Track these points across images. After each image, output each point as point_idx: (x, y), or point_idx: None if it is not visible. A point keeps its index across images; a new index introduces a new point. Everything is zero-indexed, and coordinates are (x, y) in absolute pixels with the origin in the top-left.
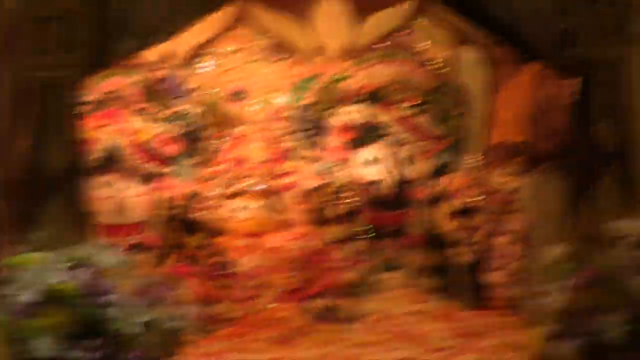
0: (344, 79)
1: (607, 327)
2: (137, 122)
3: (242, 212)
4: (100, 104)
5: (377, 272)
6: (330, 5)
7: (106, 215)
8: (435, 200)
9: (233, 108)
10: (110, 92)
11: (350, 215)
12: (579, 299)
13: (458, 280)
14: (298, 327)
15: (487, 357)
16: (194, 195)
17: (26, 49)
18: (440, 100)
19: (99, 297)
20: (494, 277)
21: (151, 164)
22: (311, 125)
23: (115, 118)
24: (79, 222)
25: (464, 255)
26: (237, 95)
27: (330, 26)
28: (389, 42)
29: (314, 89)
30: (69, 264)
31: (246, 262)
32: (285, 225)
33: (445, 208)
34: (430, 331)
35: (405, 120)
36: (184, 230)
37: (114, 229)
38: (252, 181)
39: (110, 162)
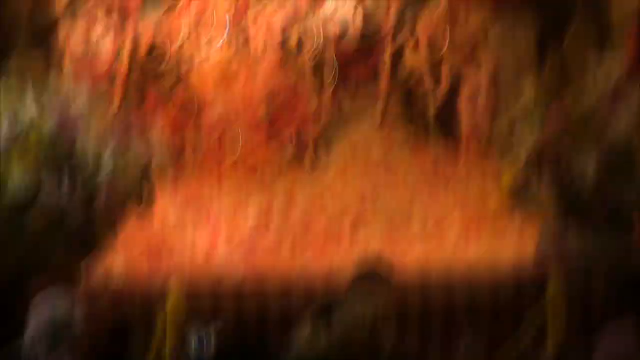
0: None
1: (579, 167)
2: None
3: (211, 56)
4: None
5: (347, 117)
6: None
7: (77, 59)
8: (405, 42)
9: None
10: None
11: (318, 63)
12: (552, 139)
13: (430, 115)
14: (268, 163)
15: (460, 197)
16: (163, 41)
17: None
18: None
19: (72, 137)
20: (465, 111)
21: (119, 11)
22: None
23: None
24: (51, 63)
25: (435, 92)
26: None
27: None
28: None
29: None
30: (40, 96)
31: (216, 106)
32: (253, 70)
33: (415, 48)
34: (403, 169)
35: None
36: (153, 75)
37: (84, 72)
38: (220, 27)
39: (78, 9)
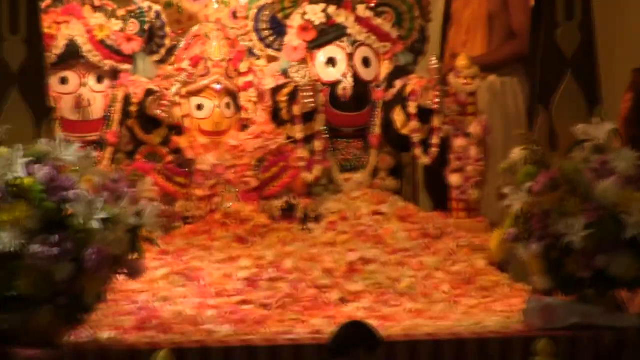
0: None
1: (567, 231)
2: (96, 19)
3: (202, 110)
4: (59, 0)
5: (336, 173)
6: None
7: (65, 111)
8: (394, 101)
9: (191, 6)
10: None
11: (309, 115)
12: (539, 203)
13: (418, 182)
14: (258, 226)
15: (447, 259)
16: (153, 93)
17: None
18: (398, 1)
19: (59, 193)
20: (454, 179)
21: (110, 61)
22: (270, 25)
23: (74, 14)
24: (38, 118)
25: (423, 157)
26: None
27: None
28: None
29: None
30: (29, 159)
31: (206, 161)
32: (244, 124)
33: (403, 109)
34: (390, 232)
35: (364, 21)
36: (143, 128)
37: (73, 125)
38: (211, 79)
39: (69, 59)
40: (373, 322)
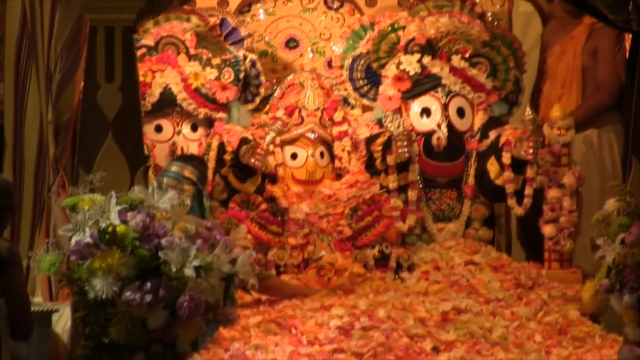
0: (398, 29)
1: None
2: (190, 68)
3: (296, 159)
4: (154, 48)
5: (430, 222)
6: None
7: (160, 159)
8: (488, 152)
9: (287, 56)
10: (164, 37)
11: (403, 165)
12: (633, 254)
13: (511, 232)
14: (352, 275)
15: (539, 309)
16: (247, 142)
17: None
18: (493, 52)
19: (153, 240)
20: (547, 229)
21: (205, 109)
22: (365, 75)
23: (169, 63)
24: (133, 166)
25: (516, 208)
26: (291, 43)
27: None
28: None
29: (368, 38)
30: (123, 207)
31: (299, 209)
32: (338, 173)
33: (498, 160)
34: (483, 282)
35: (459, 71)
36: (237, 176)
37: None
38: (305, 128)
39: (164, 107)
40: None
